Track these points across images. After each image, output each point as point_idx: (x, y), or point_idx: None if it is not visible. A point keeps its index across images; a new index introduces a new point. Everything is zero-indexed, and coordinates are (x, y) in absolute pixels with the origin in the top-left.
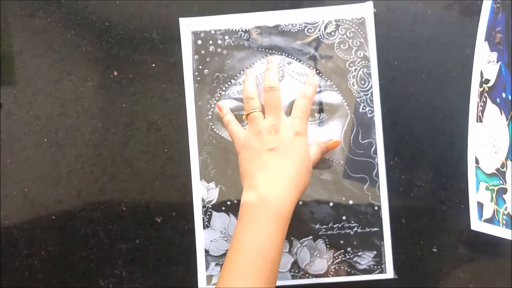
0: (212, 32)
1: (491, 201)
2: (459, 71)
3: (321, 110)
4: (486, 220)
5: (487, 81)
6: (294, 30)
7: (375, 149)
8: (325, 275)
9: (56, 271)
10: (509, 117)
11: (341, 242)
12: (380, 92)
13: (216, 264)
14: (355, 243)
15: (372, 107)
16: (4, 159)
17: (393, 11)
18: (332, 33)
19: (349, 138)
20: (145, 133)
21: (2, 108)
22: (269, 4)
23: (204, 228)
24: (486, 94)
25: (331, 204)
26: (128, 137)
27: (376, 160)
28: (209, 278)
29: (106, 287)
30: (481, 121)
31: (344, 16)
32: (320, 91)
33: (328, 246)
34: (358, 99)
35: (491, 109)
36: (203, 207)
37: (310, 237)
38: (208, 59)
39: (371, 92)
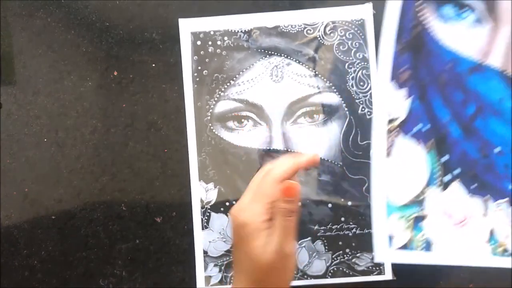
0: (212, 33)
1: (407, 228)
2: None
3: (319, 111)
4: (401, 247)
5: (395, 118)
6: (293, 31)
7: None
8: (323, 276)
9: (56, 271)
10: (428, 145)
11: (340, 243)
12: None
13: (215, 265)
14: (353, 244)
15: (371, 109)
16: (4, 159)
17: None
18: (332, 35)
19: (348, 139)
20: (145, 133)
21: (2, 108)
22: (269, 4)
23: (202, 229)
24: (396, 130)
25: (329, 205)
26: (128, 137)
27: None
28: (207, 279)
29: (106, 287)
30: (390, 155)
31: (343, 18)
32: (319, 92)
33: (326, 247)
34: (357, 101)
35: (403, 143)
36: (202, 208)
37: (309, 238)
38: (207, 60)
39: (370, 94)
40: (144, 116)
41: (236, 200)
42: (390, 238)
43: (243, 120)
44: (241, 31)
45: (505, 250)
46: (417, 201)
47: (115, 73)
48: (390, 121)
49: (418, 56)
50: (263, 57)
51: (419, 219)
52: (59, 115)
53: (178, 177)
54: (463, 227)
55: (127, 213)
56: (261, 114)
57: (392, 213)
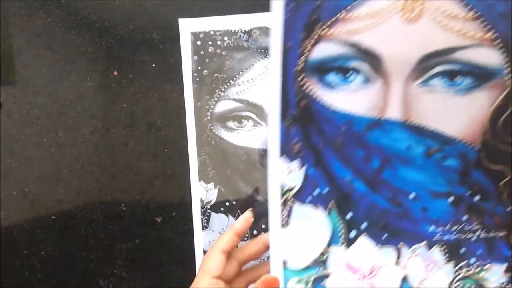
0: (211, 32)
1: None
2: None
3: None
4: None
5: (290, 189)
6: None
7: None
8: None
9: (56, 271)
10: (328, 207)
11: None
12: None
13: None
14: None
15: None
16: (4, 159)
17: None
18: None
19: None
20: (145, 133)
21: (2, 108)
22: (269, 4)
23: (202, 229)
24: (291, 200)
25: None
26: (128, 137)
27: None
28: None
29: (106, 287)
30: (287, 225)
31: None
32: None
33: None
34: None
35: (300, 210)
36: (202, 208)
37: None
38: (207, 60)
39: None
40: (144, 116)
41: (236, 200)
42: None
43: (243, 120)
44: (241, 31)
45: None
46: (319, 262)
47: (115, 73)
48: (287, 191)
49: (309, 127)
50: (263, 57)
51: (321, 278)
52: (59, 115)
53: (178, 177)
54: (370, 279)
55: (127, 213)
56: (261, 114)
57: (291, 277)
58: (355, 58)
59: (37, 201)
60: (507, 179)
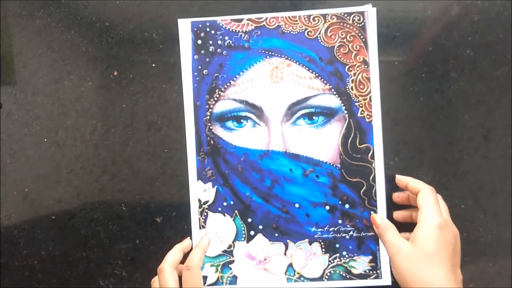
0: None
1: (216, 272)
2: (459, 71)
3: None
4: (210, 285)
5: (206, 202)
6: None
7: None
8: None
9: (56, 271)
10: (233, 215)
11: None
12: (380, 91)
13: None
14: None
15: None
16: (4, 159)
17: (393, 11)
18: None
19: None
20: (145, 133)
21: (2, 108)
22: (269, 4)
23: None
24: (206, 210)
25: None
26: (128, 137)
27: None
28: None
29: (106, 287)
30: (204, 227)
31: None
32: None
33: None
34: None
35: (213, 217)
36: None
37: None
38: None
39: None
40: (144, 116)
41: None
42: (205, 278)
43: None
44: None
45: (300, 276)
46: (227, 252)
47: (115, 73)
48: (203, 204)
49: (217, 158)
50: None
51: (228, 263)
52: (59, 115)
53: (178, 177)
54: (265, 264)
55: (127, 213)
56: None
57: (206, 262)
58: (245, 110)
59: (37, 201)
60: (365, 187)
